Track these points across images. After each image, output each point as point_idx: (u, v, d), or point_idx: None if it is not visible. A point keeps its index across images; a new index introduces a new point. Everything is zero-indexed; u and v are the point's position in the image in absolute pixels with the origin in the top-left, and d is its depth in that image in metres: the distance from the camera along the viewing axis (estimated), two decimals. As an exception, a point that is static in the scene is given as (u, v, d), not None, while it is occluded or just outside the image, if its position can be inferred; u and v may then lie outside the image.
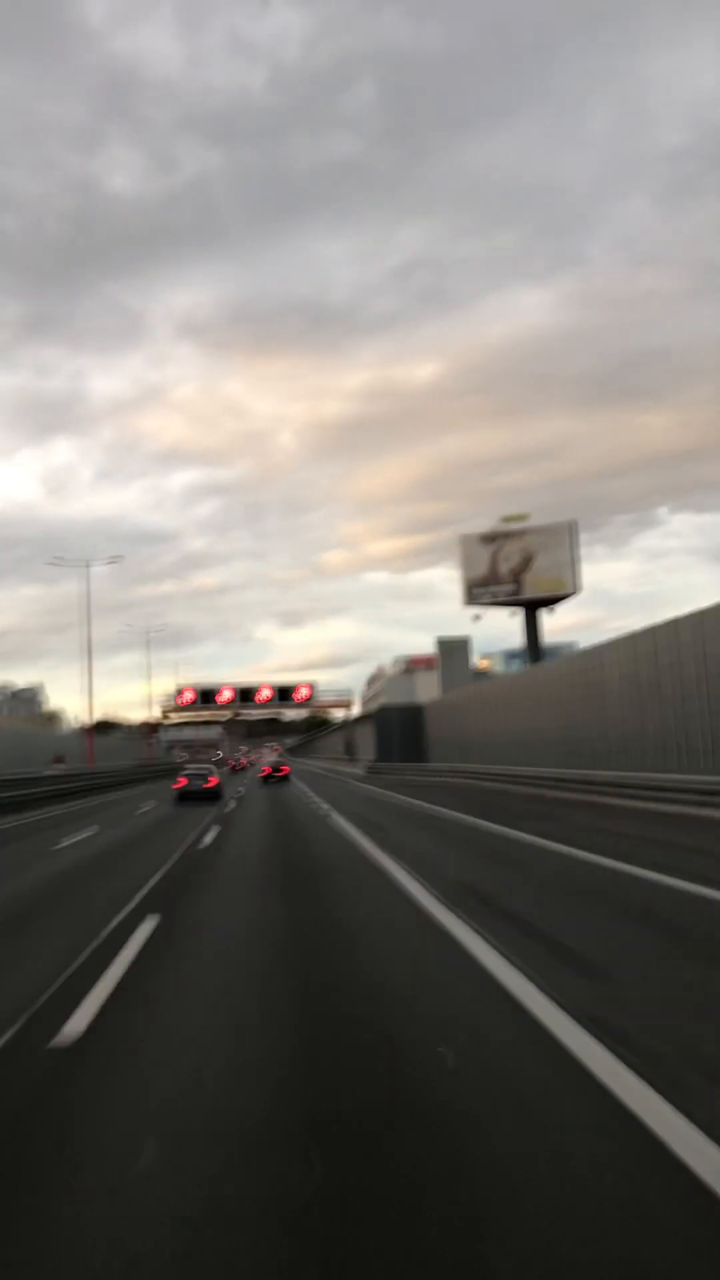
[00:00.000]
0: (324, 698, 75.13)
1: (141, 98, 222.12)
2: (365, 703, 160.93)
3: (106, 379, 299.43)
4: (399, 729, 59.53)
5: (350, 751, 75.60)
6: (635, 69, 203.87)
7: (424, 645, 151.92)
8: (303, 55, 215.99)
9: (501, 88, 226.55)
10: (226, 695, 73.23)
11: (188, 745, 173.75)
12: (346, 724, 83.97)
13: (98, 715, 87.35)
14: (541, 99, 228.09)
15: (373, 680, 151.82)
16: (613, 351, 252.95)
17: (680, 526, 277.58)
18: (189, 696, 73.21)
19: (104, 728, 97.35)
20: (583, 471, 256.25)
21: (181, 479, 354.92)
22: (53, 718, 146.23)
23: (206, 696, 73.23)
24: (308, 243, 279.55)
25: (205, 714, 75.75)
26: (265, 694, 73.60)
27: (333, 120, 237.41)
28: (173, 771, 56.58)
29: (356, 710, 79.85)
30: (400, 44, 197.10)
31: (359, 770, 62.93)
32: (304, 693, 73.86)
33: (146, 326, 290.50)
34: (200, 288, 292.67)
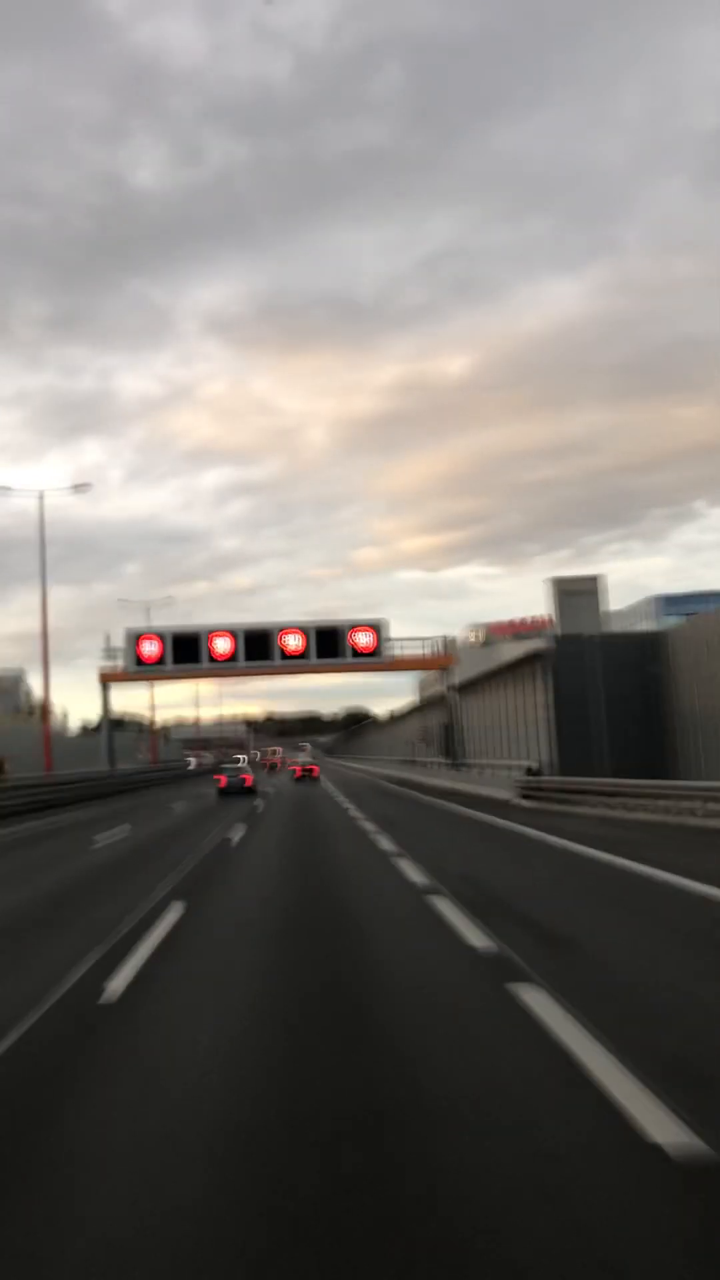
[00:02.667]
0: (402, 650, 41.65)
1: (164, 89, 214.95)
2: (422, 686, 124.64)
3: (134, 377, 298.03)
4: (611, 686, 25.82)
5: (443, 742, 41.70)
6: (670, 46, 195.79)
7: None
8: (327, 41, 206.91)
9: (532, 69, 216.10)
10: (223, 647, 40.02)
11: (205, 745, 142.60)
12: (426, 704, 50.57)
13: (98, 710, 61.50)
14: (573, 79, 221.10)
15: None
16: (648, 341, 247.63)
17: (719, 521, 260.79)
18: (153, 650, 40.07)
19: (116, 724, 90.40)
20: (618, 465, 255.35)
21: (212, 478, 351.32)
22: (34, 713, 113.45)
23: (185, 648, 40.08)
24: (335, 234, 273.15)
25: (188, 676, 42.02)
26: (294, 642, 40.28)
27: (360, 107, 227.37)
28: (177, 779, 55.33)
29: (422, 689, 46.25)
30: (427, 26, 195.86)
31: (488, 787, 29.52)
32: (365, 639, 40.50)
33: (173, 323, 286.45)
34: (227, 282, 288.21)
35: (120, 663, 40.48)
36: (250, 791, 38.11)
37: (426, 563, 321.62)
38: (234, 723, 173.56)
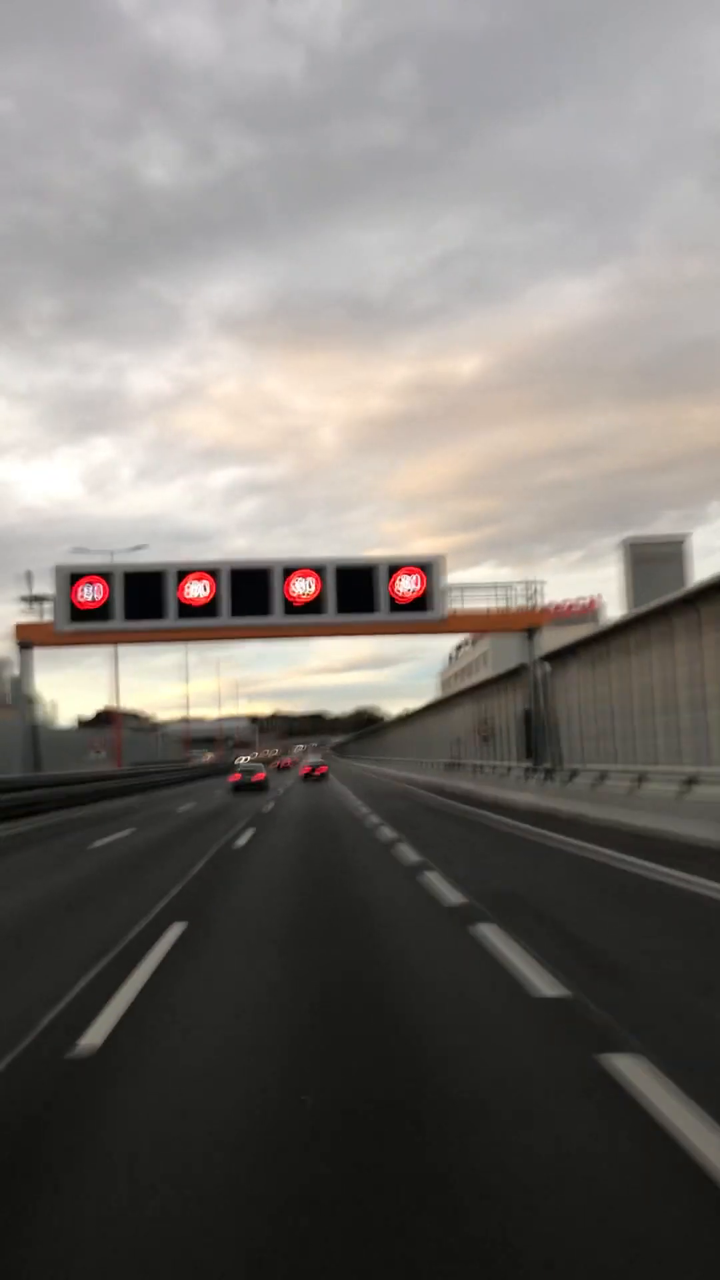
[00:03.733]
0: (462, 601, 28.14)
1: (177, 86, 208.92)
2: (445, 683, 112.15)
3: (146, 375, 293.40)
4: None
5: (525, 738, 28.26)
6: (683, 46, 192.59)
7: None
8: (341, 38, 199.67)
9: (544, 69, 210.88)
10: (199, 592, 26.83)
11: (207, 741, 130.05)
12: (486, 686, 37.59)
13: (101, 706, 63.00)
14: (586, 80, 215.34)
15: (460, 648, 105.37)
16: (660, 342, 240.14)
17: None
18: (95, 595, 26.87)
19: (105, 720, 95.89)
20: (630, 466, 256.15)
21: (223, 477, 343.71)
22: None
23: (142, 594, 26.87)
24: (347, 233, 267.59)
25: (147, 635, 28.60)
26: (303, 587, 27.06)
27: (372, 105, 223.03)
28: (150, 787, 44.35)
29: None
30: (441, 23, 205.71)
31: (642, 814, 16.24)
32: (409, 585, 27.24)
33: (185, 321, 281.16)
34: (239, 281, 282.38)
35: (48, 617, 27.26)
36: (262, 788, 38.62)
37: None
38: (237, 719, 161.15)
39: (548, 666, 27.74)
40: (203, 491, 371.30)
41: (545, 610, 28.06)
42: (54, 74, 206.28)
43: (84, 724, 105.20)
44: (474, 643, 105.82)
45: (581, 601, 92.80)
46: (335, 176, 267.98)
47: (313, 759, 70.03)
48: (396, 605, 27.10)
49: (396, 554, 27.60)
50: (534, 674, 27.78)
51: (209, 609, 26.83)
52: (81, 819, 25.32)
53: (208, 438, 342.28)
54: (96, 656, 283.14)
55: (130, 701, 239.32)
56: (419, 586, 27.20)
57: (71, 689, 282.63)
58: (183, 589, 26.85)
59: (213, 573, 26.96)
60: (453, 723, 45.76)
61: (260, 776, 42.23)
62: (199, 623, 26.96)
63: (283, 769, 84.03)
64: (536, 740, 27.54)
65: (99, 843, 17.81)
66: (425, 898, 9.98)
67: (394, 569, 27.26)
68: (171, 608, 26.79)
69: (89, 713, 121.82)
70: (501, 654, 79.19)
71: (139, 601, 26.74)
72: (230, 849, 16.14)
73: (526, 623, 27.83)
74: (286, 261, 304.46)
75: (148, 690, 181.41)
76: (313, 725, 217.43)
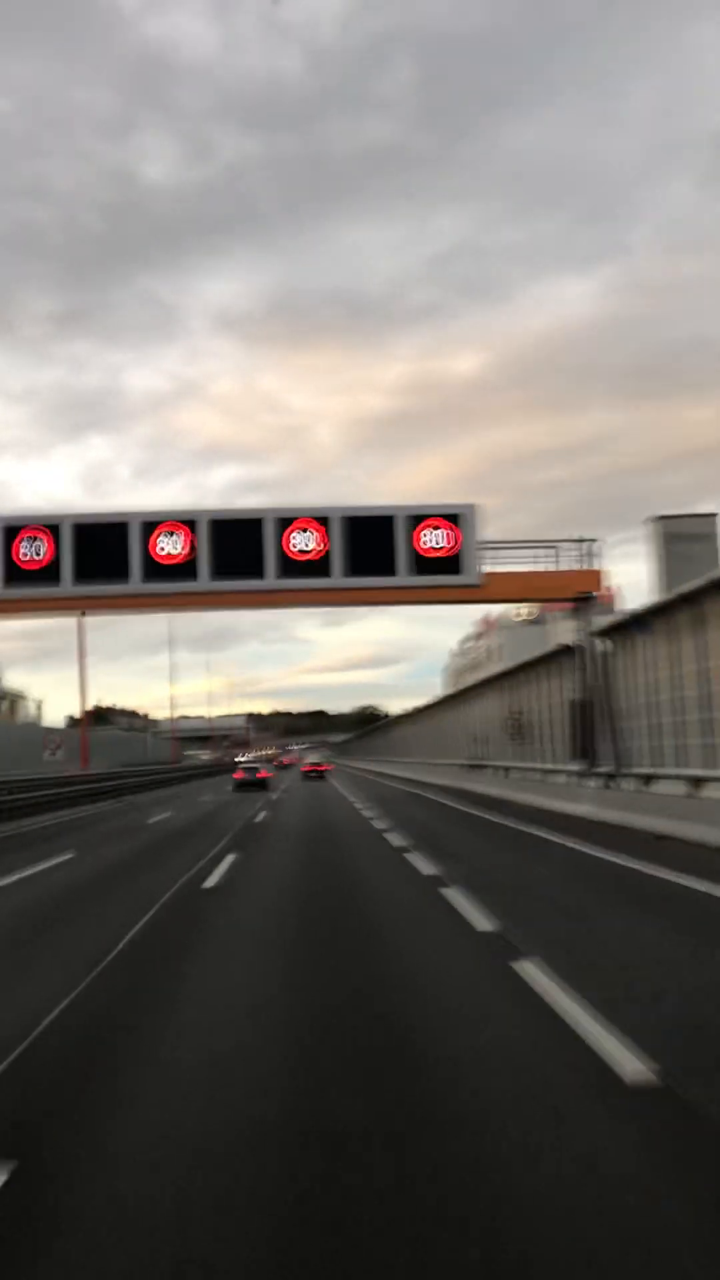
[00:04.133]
0: (494, 560, 22.47)
1: (174, 84, 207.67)
2: (453, 677, 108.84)
3: (142, 374, 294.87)
4: None
5: (579, 734, 22.72)
6: (680, 45, 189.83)
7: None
8: (338, 35, 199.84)
9: (542, 67, 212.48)
10: (172, 548, 21.29)
11: (203, 739, 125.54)
12: (519, 671, 32.20)
13: (89, 704, 58.52)
14: (583, 78, 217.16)
15: (466, 642, 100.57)
16: (657, 342, 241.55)
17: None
18: (38, 553, 21.30)
19: (98, 719, 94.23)
20: (627, 466, 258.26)
21: (220, 476, 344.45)
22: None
23: (98, 551, 21.31)
24: (344, 231, 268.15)
25: (104, 602, 22.99)
26: (305, 542, 21.52)
27: (370, 103, 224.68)
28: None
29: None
30: (437, 22, 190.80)
31: None
32: (436, 539, 21.68)
33: (182, 319, 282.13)
34: (235, 279, 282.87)
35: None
36: (264, 785, 38.88)
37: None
38: (235, 718, 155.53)
39: (608, 643, 22.18)
40: (200, 490, 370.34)
41: (599, 570, 22.43)
42: (51, 72, 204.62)
43: (75, 723, 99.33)
44: (480, 637, 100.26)
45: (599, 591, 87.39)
46: (333, 174, 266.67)
47: (313, 757, 70.83)
48: (420, 565, 21.52)
49: (419, 504, 21.94)
50: (589, 653, 22.19)
51: (185, 569, 21.23)
52: None
53: (205, 437, 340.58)
54: (95, 654, 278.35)
55: (128, 700, 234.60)
56: (449, 543, 21.63)
57: (69, 688, 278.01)
58: (152, 545, 21.27)
59: (189, 524, 21.37)
60: (473, 718, 40.17)
61: (264, 774, 42.61)
62: (172, 586, 21.35)
63: (283, 767, 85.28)
64: (591, 736, 21.99)
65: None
66: (555, 1047, 4.54)
67: (417, 521, 21.67)
68: (137, 568, 21.21)
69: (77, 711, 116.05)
70: (515, 645, 73.60)
71: (95, 560, 21.15)
72: (195, 889, 10.64)
73: (581, 587, 22.22)
74: (284, 259, 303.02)
75: (147, 689, 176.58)
76: (313, 724, 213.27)
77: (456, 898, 9.51)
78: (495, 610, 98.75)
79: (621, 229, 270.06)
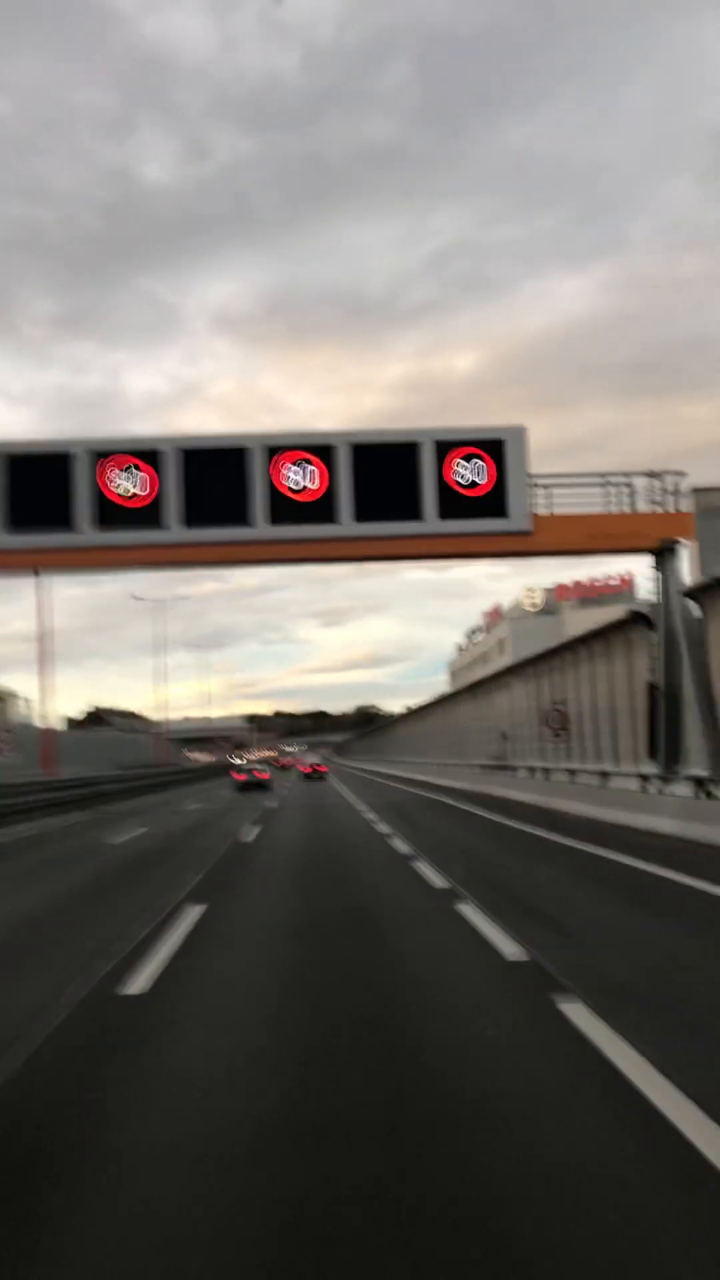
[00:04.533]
0: (549, 501, 17.50)
1: (173, 83, 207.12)
2: (458, 672, 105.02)
3: (143, 375, 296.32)
4: None
5: (655, 728, 17.83)
6: (679, 42, 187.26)
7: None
8: (336, 34, 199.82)
9: (540, 65, 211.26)
10: (131, 488, 16.34)
11: (201, 741, 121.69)
12: (573, 644, 27.14)
13: (87, 705, 61.06)
14: (581, 76, 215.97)
15: (473, 635, 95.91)
16: (655, 339, 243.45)
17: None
18: None
19: (95, 720, 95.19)
20: (625, 464, 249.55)
21: None
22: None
23: (38, 493, 16.35)
24: (343, 230, 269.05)
25: (43, 557, 18.07)
26: (301, 478, 16.55)
27: (368, 101, 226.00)
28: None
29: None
30: (436, 21, 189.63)
31: None
32: (470, 473, 16.72)
33: (181, 320, 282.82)
34: (235, 279, 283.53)
35: None
36: (265, 786, 39.27)
37: (433, 563, 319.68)
38: (234, 718, 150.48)
39: (696, 606, 17.18)
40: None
41: (686, 513, 17.46)
42: (51, 73, 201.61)
43: (74, 725, 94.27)
44: (488, 629, 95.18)
45: (611, 580, 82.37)
46: (331, 173, 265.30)
47: (312, 759, 71.49)
48: (451, 506, 16.52)
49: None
50: (674, 619, 17.13)
51: (148, 514, 16.23)
52: None
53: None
54: (95, 656, 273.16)
55: (126, 702, 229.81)
56: (487, 477, 16.63)
57: (69, 689, 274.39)
58: (104, 482, 16.31)
59: (150, 456, 16.38)
60: (495, 712, 35.17)
61: (264, 775, 42.47)
62: (132, 536, 16.33)
63: (283, 768, 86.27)
64: (677, 729, 17.02)
65: None
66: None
67: (447, 449, 16.67)
68: (85, 512, 16.22)
69: (84, 714, 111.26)
70: (525, 637, 68.64)
71: (30, 503, 16.19)
72: (103, 1003, 5.45)
73: (663, 533, 17.23)
74: (282, 259, 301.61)
75: (147, 691, 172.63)
76: (313, 724, 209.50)
77: (598, 1034, 4.60)
78: (504, 600, 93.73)
79: (620, 226, 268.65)
